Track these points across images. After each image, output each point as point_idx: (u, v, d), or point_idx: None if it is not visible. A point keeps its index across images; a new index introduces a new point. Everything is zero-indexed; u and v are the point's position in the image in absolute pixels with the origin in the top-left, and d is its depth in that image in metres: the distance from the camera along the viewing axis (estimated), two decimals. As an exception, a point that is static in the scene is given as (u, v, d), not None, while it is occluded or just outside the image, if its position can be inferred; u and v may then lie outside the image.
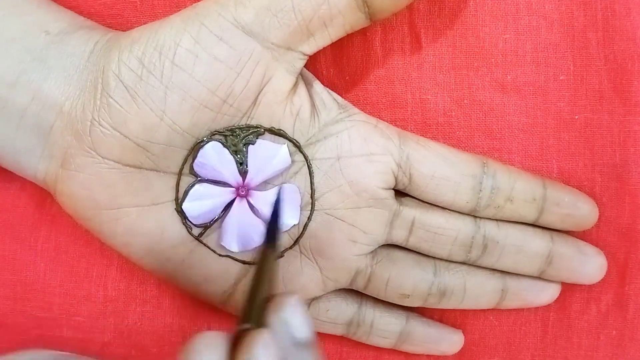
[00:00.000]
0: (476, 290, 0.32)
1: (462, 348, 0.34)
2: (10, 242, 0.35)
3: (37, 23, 0.29)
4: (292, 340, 0.23)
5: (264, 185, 0.30)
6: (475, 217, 0.32)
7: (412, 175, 0.31)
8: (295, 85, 0.30)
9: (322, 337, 0.34)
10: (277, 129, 0.30)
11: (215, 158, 0.29)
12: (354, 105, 0.32)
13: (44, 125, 0.29)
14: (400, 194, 0.32)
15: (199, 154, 0.29)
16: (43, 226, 0.35)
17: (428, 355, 0.34)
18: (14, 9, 0.29)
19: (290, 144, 0.30)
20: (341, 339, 0.34)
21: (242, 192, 0.30)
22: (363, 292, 0.32)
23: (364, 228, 0.31)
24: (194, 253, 0.30)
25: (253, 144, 0.30)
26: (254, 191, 0.30)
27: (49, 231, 0.35)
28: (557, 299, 0.33)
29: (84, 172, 0.29)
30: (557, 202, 0.32)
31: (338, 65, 0.33)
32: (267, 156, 0.30)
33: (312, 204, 0.30)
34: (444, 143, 0.32)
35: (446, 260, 0.32)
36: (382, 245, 0.32)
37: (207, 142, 0.29)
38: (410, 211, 0.31)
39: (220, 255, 0.31)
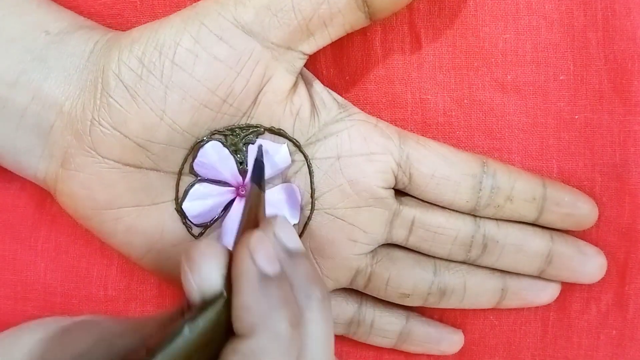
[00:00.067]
0: (476, 290, 0.32)
1: (462, 348, 0.34)
2: (10, 242, 0.35)
3: (37, 23, 0.29)
4: (284, 250, 0.24)
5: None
6: (475, 216, 0.32)
7: (412, 175, 0.31)
8: (295, 84, 0.30)
9: (322, 337, 0.34)
10: (277, 129, 0.30)
11: (215, 157, 0.29)
12: (354, 105, 0.32)
13: (44, 125, 0.29)
14: (400, 193, 0.32)
15: (199, 154, 0.29)
16: (43, 226, 0.35)
17: (428, 355, 0.34)
18: (14, 9, 0.29)
19: (290, 144, 0.30)
20: (341, 338, 0.34)
21: (242, 191, 0.30)
22: (363, 291, 0.32)
23: (364, 227, 0.31)
24: (194, 253, 0.30)
25: (253, 144, 0.30)
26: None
27: (49, 231, 0.35)
28: (557, 298, 0.33)
29: (84, 171, 0.29)
30: (557, 202, 0.32)
31: (338, 65, 0.33)
32: (267, 156, 0.30)
33: (312, 204, 0.30)
34: (444, 143, 0.32)
35: (446, 260, 0.32)
36: (382, 245, 0.32)
37: (207, 141, 0.29)
38: (410, 211, 0.31)
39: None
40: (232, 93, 0.28)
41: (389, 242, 0.32)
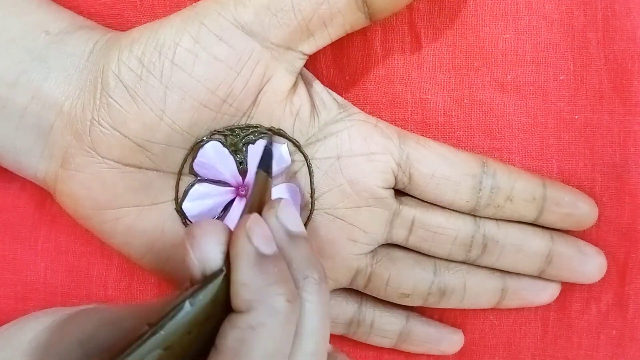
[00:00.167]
0: (476, 290, 0.32)
1: (462, 348, 0.34)
2: (10, 242, 0.35)
3: (37, 23, 0.29)
4: (286, 233, 0.25)
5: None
6: (475, 216, 0.32)
7: (412, 175, 0.31)
8: (295, 84, 0.30)
9: (322, 336, 0.34)
10: (277, 129, 0.30)
11: (215, 158, 0.29)
12: (354, 105, 0.32)
13: (44, 125, 0.29)
14: (400, 193, 0.32)
15: (198, 154, 0.29)
16: (43, 226, 0.35)
17: (428, 355, 0.34)
18: (14, 9, 0.29)
19: (290, 144, 0.30)
20: (341, 338, 0.34)
21: (242, 191, 0.30)
22: (363, 291, 0.32)
23: (364, 227, 0.31)
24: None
25: (253, 144, 0.30)
26: (251, 185, 0.30)
27: (49, 231, 0.35)
28: (557, 298, 0.33)
29: (84, 171, 0.29)
30: (557, 202, 0.32)
31: (338, 65, 0.33)
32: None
33: (312, 204, 0.30)
34: (444, 143, 0.32)
35: (446, 260, 0.32)
36: (382, 245, 0.32)
37: (207, 141, 0.29)
38: (410, 210, 0.31)
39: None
40: (231, 93, 0.28)
41: (389, 242, 0.32)
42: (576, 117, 0.32)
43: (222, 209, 0.30)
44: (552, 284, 0.33)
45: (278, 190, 0.30)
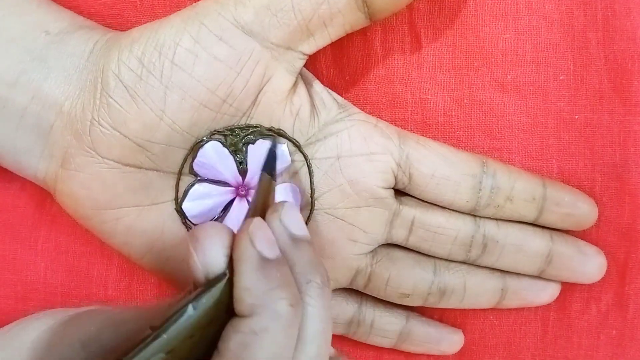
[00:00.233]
0: (476, 290, 0.32)
1: (462, 348, 0.34)
2: (10, 242, 0.35)
3: (37, 23, 0.29)
4: (289, 236, 0.25)
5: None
6: (475, 216, 0.32)
7: (412, 175, 0.31)
8: (295, 84, 0.30)
9: (322, 336, 0.34)
10: (277, 129, 0.30)
11: (215, 158, 0.29)
12: (354, 105, 0.32)
13: (44, 125, 0.29)
14: (400, 193, 0.32)
15: (198, 154, 0.29)
16: (43, 226, 0.35)
17: (428, 355, 0.34)
18: (14, 9, 0.29)
19: (290, 144, 0.30)
20: (341, 338, 0.34)
21: (242, 191, 0.30)
22: (363, 291, 0.32)
23: (364, 227, 0.31)
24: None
25: (253, 144, 0.30)
26: (253, 191, 0.30)
27: (49, 231, 0.35)
28: (557, 298, 0.33)
29: (84, 171, 0.29)
30: (557, 202, 0.32)
31: (338, 65, 0.33)
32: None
33: (312, 204, 0.30)
34: (444, 143, 0.32)
35: (446, 260, 0.32)
36: (382, 245, 0.32)
37: (207, 141, 0.29)
38: (410, 210, 0.31)
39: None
40: (231, 93, 0.28)
41: (389, 242, 0.32)
42: (576, 117, 0.32)
43: (222, 209, 0.30)
44: (552, 284, 0.33)
45: (278, 190, 0.30)
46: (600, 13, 0.32)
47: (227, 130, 0.29)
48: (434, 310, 0.34)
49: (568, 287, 0.33)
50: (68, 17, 0.30)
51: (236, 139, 0.29)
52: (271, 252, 0.23)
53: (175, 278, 0.31)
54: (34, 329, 0.25)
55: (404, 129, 0.32)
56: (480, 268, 0.32)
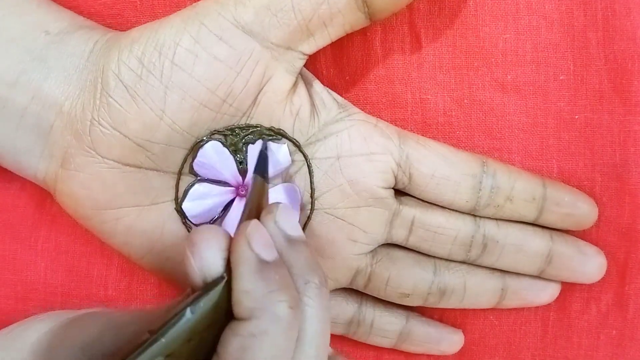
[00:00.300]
0: (476, 290, 0.32)
1: (462, 348, 0.34)
2: (10, 242, 0.35)
3: (37, 23, 0.29)
4: (285, 238, 0.25)
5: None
6: (475, 216, 0.32)
7: (412, 175, 0.31)
8: (295, 84, 0.30)
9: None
10: (277, 129, 0.30)
11: (215, 157, 0.29)
12: (354, 105, 0.32)
13: (44, 125, 0.29)
14: (400, 193, 0.32)
15: (198, 154, 0.29)
16: (43, 226, 0.35)
17: (428, 355, 0.34)
18: (14, 9, 0.29)
19: (290, 144, 0.30)
20: (341, 338, 0.34)
21: (242, 191, 0.30)
22: (363, 291, 0.32)
23: (364, 227, 0.31)
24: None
25: (253, 144, 0.30)
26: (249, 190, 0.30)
27: (49, 231, 0.35)
28: (557, 298, 0.33)
29: (84, 171, 0.29)
30: (557, 202, 0.32)
31: (338, 65, 0.33)
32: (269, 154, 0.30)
33: (312, 204, 0.30)
34: (444, 143, 0.32)
35: (446, 260, 0.32)
36: (382, 245, 0.32)
37: (207, 141, 0.29)
38: (410, 210, 0.31)
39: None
40: (231, 93, 0.28)
41: (389, 242, 0.32)
42: (576, 117, 0.32)
43: (222, 208, 0.30)
44: (552, 284, 0.33)
45: (278, 191, 0.30)
46: (600, 13, 0.32)
47: (227, 130, 0.29)
48: (434, 310, 0.34)
49: (568, 287, 0.33)
50: (68, 17, 0.30)
51: (236, 138, 0.29)
52: (269, 255, 0.23)
53: (175, 278, 0.31)
54: (35, 331, 0.25)
55: (404, 129, 0.32)
56: (480, 268, 0.32)
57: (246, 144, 0.30)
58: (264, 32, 0.28)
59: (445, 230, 0.31)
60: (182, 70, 0.28)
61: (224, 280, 0.23)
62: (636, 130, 0.32)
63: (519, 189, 0.31)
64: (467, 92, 0.33)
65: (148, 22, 0.29)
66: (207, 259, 0.23)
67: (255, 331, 0.22)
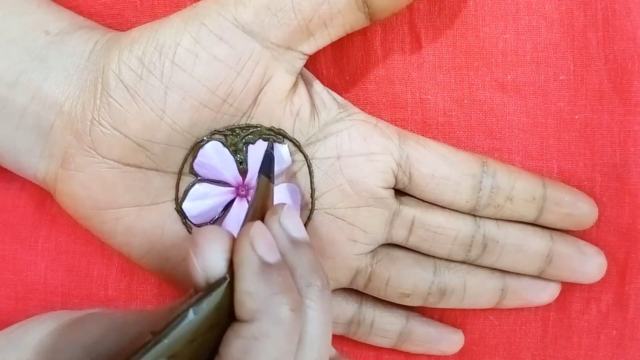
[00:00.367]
0: (476, 290, 0.32)
1: (462, 348, 0.34)
2: (10, 242, 0.35)
3: (37, 23, 0.29)
4: (289, 239, 0.25)
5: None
6: (475, 216, 0.32)
7: (412, 175, 0.31)
8: (295, 84, 0.30)
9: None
10: (277, 129, 0.30)
11: (215, 157, 0.29)
12: (354, 105, 0.32)
13: (44, 125, 0.29)
14: (400, 193, 0.32)
15: (199, 154, 0.29)
16: (43, 226, 0.35)
17: (428, 355, 0.34)
18: (14, 9, 0.29)
19: (290, 144, 0.30)
20: (341, 338, 0.34)
21: (242, 191, 0.30)
22: (363, 291, 0.32)
23: (364, 227, 0.31)
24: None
25: (253, 144, 0.30)
26: (253, 191, 0.30)
27: (49, 231, 0.35)
28: (557, 298, 0.33)
29: (84, 171, 0.29)
30: (557, 202, 0.32)
31: (338, 65, 0.33)
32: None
33: (312, 204, 0.30)
34: (444, 143, 0.32)
35: (446, 260, 0.32)
36: (382, 245, 0.32)
37: (207, 141, 0.29)
38: (410, 210, 0.31)
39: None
40: (232, 93, 0.28)
41: (389, 242, 0.32)
42: (576, 117, 0.32)
43: (222, 209, 0.30)
44: (552, 284, 0.33)
45: (278, 191, 0.30)
46: (600, 13, 0.32)
47: (227, 130, 0.29)
48: (434, 310, 0.34)
49: (568, 287, 0.33)
50: (68, 17, 0.30)
51: (236, 139, 0.29)
52: (272, 257, 0.23)
53: (175, 278, 0.31)
54: (37, 332, 0.25)
55: (404, 129, 0.32)
56: (480, 268, 0.32)
57: (246, 144, 0.30)
58: (264, 32, 0.28)
59: (445, 230, 0.31)
60: (183, 70, 0.28)
61: (227, 282, 0.22)
62: (636, 130, 0.32)
63: (519, 189, 0.31)
64: (467, 92, 0.33)
65: (148, 22, 0.29)
66: (210, 260, 0.23)
67: (257, 333, 0.22)
